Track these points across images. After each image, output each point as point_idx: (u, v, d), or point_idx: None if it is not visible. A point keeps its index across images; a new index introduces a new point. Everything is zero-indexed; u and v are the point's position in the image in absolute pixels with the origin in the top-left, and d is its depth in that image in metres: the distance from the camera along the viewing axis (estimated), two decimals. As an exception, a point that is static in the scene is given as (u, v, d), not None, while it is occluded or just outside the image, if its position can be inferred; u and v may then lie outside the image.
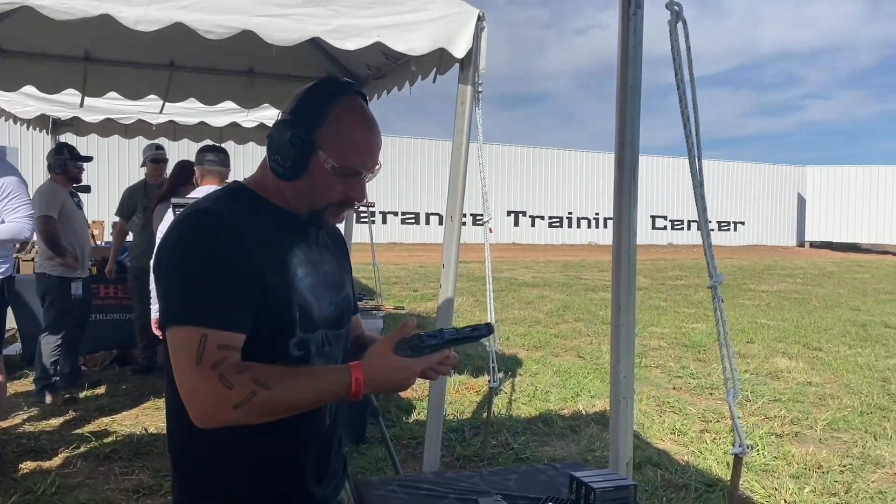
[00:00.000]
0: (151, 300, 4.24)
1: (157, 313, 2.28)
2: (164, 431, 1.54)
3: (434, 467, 3.45)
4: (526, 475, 2.32)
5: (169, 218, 3.98)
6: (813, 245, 31.45)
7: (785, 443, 5.00)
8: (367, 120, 1.48)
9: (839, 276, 18.51)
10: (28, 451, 4.45)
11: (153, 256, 1.46)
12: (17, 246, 5.83)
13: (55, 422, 5.03)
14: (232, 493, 1.46)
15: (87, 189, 6.02)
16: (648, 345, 8.46)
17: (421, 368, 1.38)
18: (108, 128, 7.58)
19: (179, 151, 8.04)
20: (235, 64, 4.99)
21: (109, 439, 4.69)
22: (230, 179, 4.22)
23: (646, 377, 6.84)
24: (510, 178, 28.27)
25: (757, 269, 20.02)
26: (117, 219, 6.65)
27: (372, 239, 6.69)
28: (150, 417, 5.17)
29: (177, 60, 4.92)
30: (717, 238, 30.95)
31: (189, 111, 6.82)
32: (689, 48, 2.22)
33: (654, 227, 31.09)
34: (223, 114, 6.99)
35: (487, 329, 1.43)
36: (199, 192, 4.27)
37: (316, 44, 3.73)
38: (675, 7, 2.21)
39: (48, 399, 5.36)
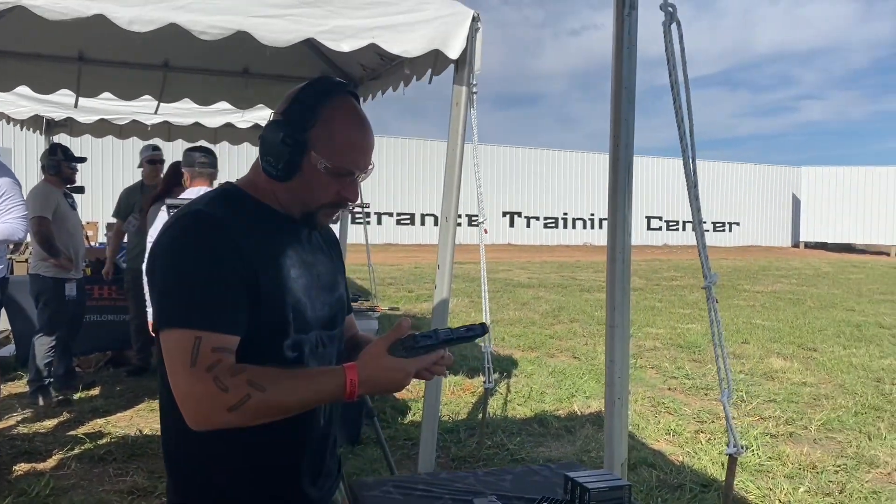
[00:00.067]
0: (147, 302, 4.23)
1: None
2: (159, 433, 1.54)
3: (429, 468, 3.45)
4: (521, 476, 2.31)
5: (162, 219, 3.97)
6: (808, 246, 31.56)
7: (779, 443, 5.01)
8: (359, 120, 1.48)
9: (834, 276, 18.57)
10: (22, 452, 4.43)
11: (146, 258, 1.46)
12: (11, 247, 5.80)
13: (49, 423, 5.01)
14: (227, 494, 1.46)
15: (81, 190, 6.00)
16: (644, 345, 8.47)
17: (416, 369, 1.38)
18: (102, 128, 7.56)
19: (174, 152, 8.01)
20: (230, 64, 4.98)
21: (104, 441, 4.68)
22: (217, 180, 4.23)
23: (641, 378, 6.85)
24: (505, 178, 28.29)
25: (752, 270, 20.07)
26: (113, 220, 6.63)
27: (367, 240, 6.67)
28: (144, 419, 5.16)
29: (171, 61, 4.90)
30: (712, 239, 31.05)
31: (184, 112, 6.80)
32: (683, 49, 2.22)
33: (649, 228, 31.15)
34: (218, 114, 6.97)
35: (482, 329, 1.43)
36: (191, 193, 4.26)
37: (310, 44, 3.72)
38: (670, 8, 2.22)
39: (42, 401, 5.35)
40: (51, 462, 4.31)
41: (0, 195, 4.09)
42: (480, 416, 4.98)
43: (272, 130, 1.43)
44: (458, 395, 5.99)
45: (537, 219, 29.54)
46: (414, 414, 5.32)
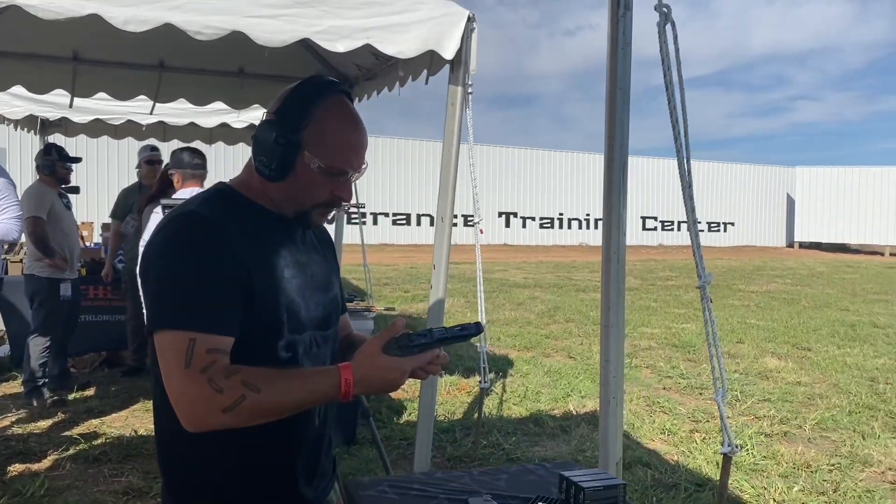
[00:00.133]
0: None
1: None
2: (153, 434, 1.53)
3: (425, 468, 3.45)
4: (516, 475, 2.32)
5: (156, 220, 3.96)
6: (802, 246, 31.63)
7: (774, 442, 5.02)
8: (352, 119, 1.47)
9: (828, 276, 18.62)
10: (17, 453, 4.42)
11: (139, 260, 1.45)
12: (6, 247, 5.79)
13: (44, 424, 5.00)
14: (221, 495, 1.46)
15: (75, 190, 5.99)
16: (639, 345, 8.48)
17: (411, 368, 1.37)
18: (97, 128, 7.54)
19: (170, 152, 8.01)
20: (226, 64, 4.97)
21: (99, 441, 4.67)
22: (210, 181, 4.21)
23: (636, 377, 6.86)
24: (501, 179, 28.30)
25: (747, 270, 20.11)
26: (109, 220, 6.60)
27: (363, 240, 6.67)
28: (139, 419, 5.15)
29: (166, 61, 4.89)
30: (707, 239, 31.10)
31: (179, 112, 6.79)
32: (677, 50, 2.23)
33: (644, 228, 31.20)
34: (213, 114, 6.96)
35: (477, 328, 1.42)
36: (184, 194, 4.24)
37: (306, 44, 3.72)
38: (664, 9, 2.22)
39: (37, 401, 5.33)
40: (46, 463, 4.30)
41: (-5, 195, 4.08)
42: (476, 415, 4.98)
43: (265, 130, 1.42)
44: (453, 394, 5.99)
45: (533, 219, 29.55)
46: (409, 414, 5.32)
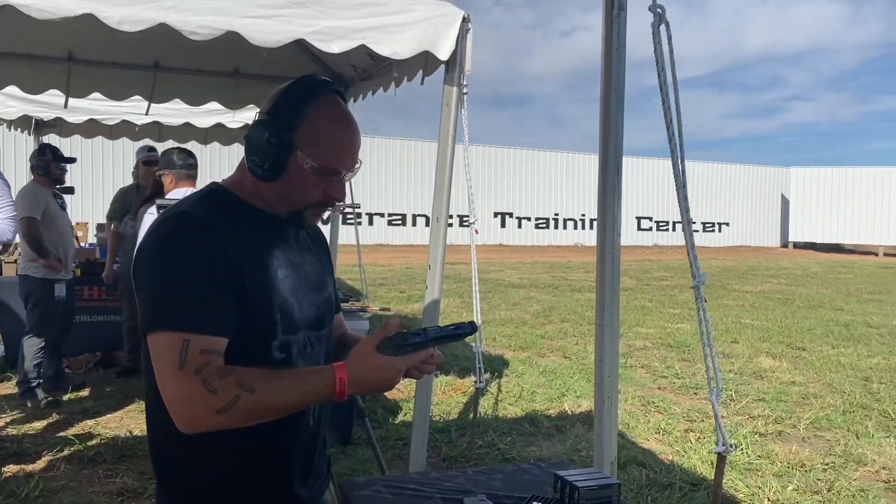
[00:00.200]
0: None
1: None
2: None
3: (420, 468, 3.45)
4: (511, 475, 2.32)
5: (150, 220, 3.95)
6: (796, 246, 31.72)
7: (768, 442, 5.04)
8: (345, 119, 1.47)
9: (822, 276, 18.68)
10: (11, 454, 4.41)
11: (133, 261, 1.45)
12: (0, 248, 5.78)
13: (38, 425, 4.99)
14: (215, 496, 1.45)
15: (70, 190, 5.98)
16: (634, 345, 8.50)
17: (405, 367, 1.37)
18: (91, 129, 7.52)
19: (160, 154, 7.99)
20: (221, 65, 4.97)
21: (93, 442, 4.66)
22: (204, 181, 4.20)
23: (631, 377, 6.88)
24: (497, 179, 28.31)
25: (741, 270, 20.16)
26: (105, 221, 6.57)
27: (358, 240, 6.67)
28: (134, 420, 5.14)
29: (161, 61, 4.88)
30: (702, 239, 31.17)
31: (174, 112, 6.77)
32: (671, 50, 2.24)
33: (639, 229, 31.24)
34: (208, 115, 6.95)
35: (471, 327, 1.42)
36: (177, 195, 4.23)
37: (301, 45, 3.72)
38: (658, 10, 2.23)
39: (31, 402, 5.32)
40: (40, 463, 4.29)
41: (-11, 196, 4.07)
42: (471, 415, 4.99)
43: (257, 130, 1.42)
44: (449, 394, 5.99)
45: (528, 219, 29.57)
46: (405, 414, 5.33)
